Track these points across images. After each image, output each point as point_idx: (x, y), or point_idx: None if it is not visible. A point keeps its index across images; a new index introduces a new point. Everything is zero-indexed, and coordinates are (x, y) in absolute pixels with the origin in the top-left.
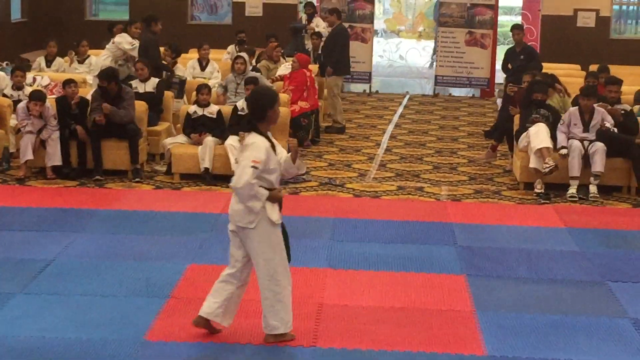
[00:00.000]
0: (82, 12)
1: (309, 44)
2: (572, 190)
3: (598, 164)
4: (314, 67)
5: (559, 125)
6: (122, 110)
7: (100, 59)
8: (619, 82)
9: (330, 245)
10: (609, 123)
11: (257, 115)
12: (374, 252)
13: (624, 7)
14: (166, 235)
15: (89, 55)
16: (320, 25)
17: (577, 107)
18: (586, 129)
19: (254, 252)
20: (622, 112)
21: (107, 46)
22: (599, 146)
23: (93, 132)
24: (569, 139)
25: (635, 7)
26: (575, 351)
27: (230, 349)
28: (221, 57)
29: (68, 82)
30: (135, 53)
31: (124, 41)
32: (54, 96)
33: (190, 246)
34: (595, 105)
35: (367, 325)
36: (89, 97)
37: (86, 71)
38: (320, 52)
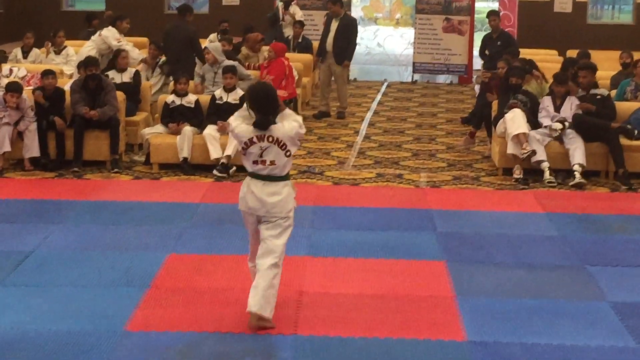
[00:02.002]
0: (58, 3)
1: (287, 32)
2: (547, 174)
3: (578, 157)
4: (306, 56)
5: (539, 114)
6: (107, 107)
7: (85, 49)
8: (591, 68)
9: (310, 233)
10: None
11: (274, 106)
12: (353, 240)
13: None
14: (145, 226)
15: (65, 46)
16: (297, 13)
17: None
18: (557, 110)
19: (277, 235)
20: (598, 97)
21: (92, 37)
22: (579, 143)
23: (77, 123)
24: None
25: None
26: (555, 335)
27: (212, 338)
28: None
29: (46, 74)
30: (129, 49)
31: (111, 36)
32: (30, 87)
33: (169, 236)
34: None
35: (348, 312)
36: (66, 88)
37: (63, 62)
38: (301, 40)
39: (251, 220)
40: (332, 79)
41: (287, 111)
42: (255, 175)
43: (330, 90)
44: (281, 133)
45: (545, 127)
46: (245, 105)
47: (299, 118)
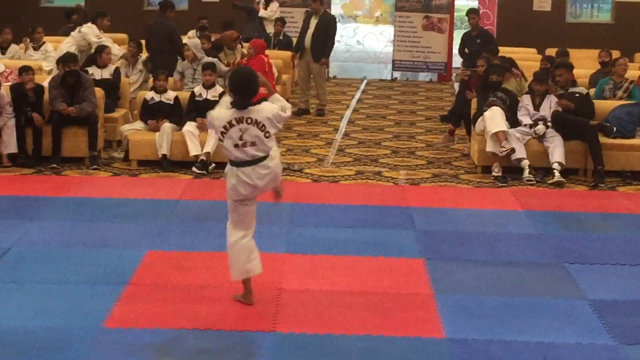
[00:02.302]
0: None
1: (269, 29)
2: (526, 172)
3: (557, 155)
4: (286, 53)
5: (518, 112)
6: (85, 104)
7: (64, 46)
8: (567, 66)
9: (289, 230)
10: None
11: (253, 90)
12: (332, 237)
13: None
14: (124, 222)
15: (44, 42)
16: (276, 11)
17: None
18: (536, 109)
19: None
20: (577, 95)
21: (72, 33)
22: (558, 141)
23: (55, 120)
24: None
25: None
26: (534, 333)
27: (190, 335)
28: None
29: (25, 70)
30: (109, 45)
31: (92, 33)
32: (9, 83)
33: (148, 233)
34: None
35: (327, 309)
36: (44, 84)
37: (41, 58)
38: (281, 37)
39: (246, 208)
40: (311, 76)
41: (276, 96)
42: (241, 163)
43: (310, 87)
44: (259, 115)
45: (525, 125)
46: (226, 97)
47: (287, 105)
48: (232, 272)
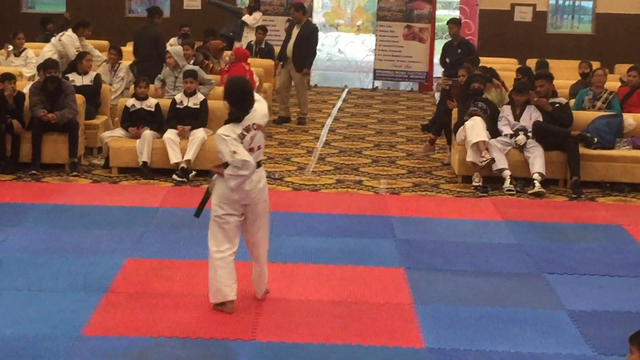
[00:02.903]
0: (18, 5)
1: (250, 37)
2: (507, 183)
3: (537, 166)
4: (267, 61)
5: (498, 122)
6: (66, 110)
7: (45, 53)
8: (547, 77)
9: (269, 238)
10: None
11: (250, 100)
12: (313, 246)
13: (560, 2)
14: (104, 230)
15: (25, 48)
16: (259, 19)
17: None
18: (517, 119)
19: (265, 224)
20: (557, 105)
21: (52, 40)
22: (539, 152)
23: (35, 126)
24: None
25: (571, 2)
26: (513, 343)
27: (169, 343)
28: None
29: (7, 77)
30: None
31: (70, 44)
32: None
33: (128, 240)
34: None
35: (306, 318)
36: (25, 90)
37: (22, 64)
38: (263, 46)
39: (235, 220)
40: (292, 84)
41: (256, 95)
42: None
43: (290, 96)
44: (259, 118)
45: (506, 135)
46: (229, 125)
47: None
48: (211, 293)
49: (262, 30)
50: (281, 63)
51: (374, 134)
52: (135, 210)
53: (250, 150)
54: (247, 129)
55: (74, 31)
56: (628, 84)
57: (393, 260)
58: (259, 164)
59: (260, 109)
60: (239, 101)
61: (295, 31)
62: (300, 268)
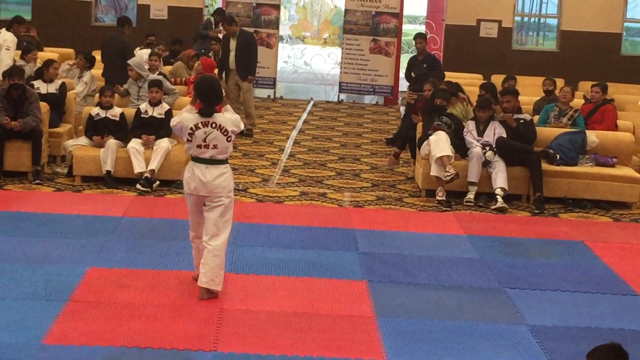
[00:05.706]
0: None
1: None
2: (470, 195)
3: (500, 181)
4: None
5: (464, 134)
6: (29, 118)
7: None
8: (513, 93)
9: (232, 249)
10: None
11: (218, 97)
12: (276, 257)
13: (526, 19)
14: (66, 238)
15: None
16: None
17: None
18: (480, 135)
19: (222, 214)
20: (522, 121)
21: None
22: (501, 167)
23: None
24: (462, 148)
25: (536, 19)
26: (474, 357)
27: (130, 353)
28: None
29: None
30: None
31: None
32: None
33: (90, 249)
34: (499, 115)
35: (269, 330)
36: None
37: None
38: (220, 57)
39: (193, 200)
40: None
41: (229, 107)
42: (199, 160)
43: (240, 108)
44: (223, 120)
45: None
46: (188, 106)
47: (238, 117)
48: (219, 280)
49: (216, 41)
50: (223, 78)
51: (339, 147)
52: (98, 219)
53: (205, 146)
54: (205, 124)
55: (7, 29)
56: (591, 100)
57: (356, 273)
58: (206, 161)
59: (228, 115)
60: (207, 96)
61: (233, 43)
62: (262, 280)
